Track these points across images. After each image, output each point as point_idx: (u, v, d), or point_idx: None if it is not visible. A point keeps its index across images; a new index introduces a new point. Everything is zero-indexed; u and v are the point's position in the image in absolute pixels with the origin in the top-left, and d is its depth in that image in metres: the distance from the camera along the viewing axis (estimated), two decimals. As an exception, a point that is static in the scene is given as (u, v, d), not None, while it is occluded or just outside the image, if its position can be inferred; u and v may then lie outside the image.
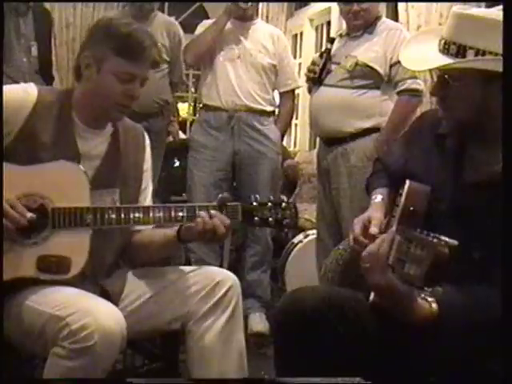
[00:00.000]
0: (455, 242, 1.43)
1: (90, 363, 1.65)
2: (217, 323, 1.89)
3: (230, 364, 1.91)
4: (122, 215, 1.83)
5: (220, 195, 1.91)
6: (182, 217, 1.85)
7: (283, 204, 1.88)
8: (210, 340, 1.88)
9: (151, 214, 1.85)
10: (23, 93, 1.87)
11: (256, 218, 1.87)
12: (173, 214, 1.85)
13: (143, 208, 1.87)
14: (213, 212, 1.83)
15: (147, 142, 2.10)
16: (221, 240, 1.90)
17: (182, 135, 5.82)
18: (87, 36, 1.94)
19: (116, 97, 1.87)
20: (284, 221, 1.88)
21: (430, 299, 1.53)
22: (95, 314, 1.66)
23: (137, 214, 1.84)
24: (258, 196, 1.90)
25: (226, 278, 1.95)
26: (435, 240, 1.42)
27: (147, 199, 2.07)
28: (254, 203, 1.88)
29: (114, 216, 1.82)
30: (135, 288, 1.95)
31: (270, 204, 1.88)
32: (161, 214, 1.85)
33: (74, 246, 1.81)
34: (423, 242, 1.43)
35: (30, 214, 1.76)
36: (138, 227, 2.00)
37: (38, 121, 1.86)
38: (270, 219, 1.87)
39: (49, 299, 1.75)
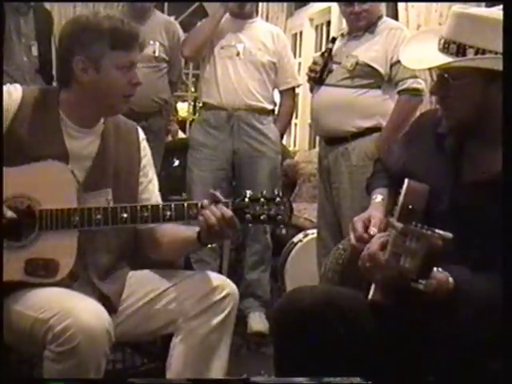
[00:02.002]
0: (449, 235, 1.44)
1: (77, 364, 1.63)
2: (207, 324, 1.85)
3: (210, 368, 1.87)
4: (110, 216, 1.80)
5: (210, 191, 1.85)
6: (170, 215, 1.81)
7: (277, 199, 1.79)
8: (197, 339, 1.85)
9: (139, 214, 1.81)
10: (6, 95, 1.85)
11: (248, 216, 1.78)
12: (161, 213, 1.81)
13: (131, 208, 1.82)
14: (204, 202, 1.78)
15: (142, 136, 2.05)
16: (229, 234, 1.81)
17: (181, 134, 5.82)
18: (68, 42, 1.87)
19: (123, 88, 1.87)
20: (277, 217, 1.78)
21: (446, 273, 1.53)
22: (76, 314, 1.64)
23: (124, 215, 1.80)
24: (251, 192, 1.81)
25: (226, 284, 1.91)
26: (429, 232, 1.44)
27: (153, 196, 2.03)
28: (246, 199, 1.79)
29: (100, 217, 1.79)
30: (134, 291, 1.93)
31: (262, 200, 1.79)
32: (149, 214, 1.80)
33: (62, 247, 1.79)
34: (418, 235, 1.45)
35: (10, 213, 1.74)
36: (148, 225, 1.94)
37: (24, 121, 1.84)
38: (263, 216, 1.78)
39: (33, 302, 1.73)
